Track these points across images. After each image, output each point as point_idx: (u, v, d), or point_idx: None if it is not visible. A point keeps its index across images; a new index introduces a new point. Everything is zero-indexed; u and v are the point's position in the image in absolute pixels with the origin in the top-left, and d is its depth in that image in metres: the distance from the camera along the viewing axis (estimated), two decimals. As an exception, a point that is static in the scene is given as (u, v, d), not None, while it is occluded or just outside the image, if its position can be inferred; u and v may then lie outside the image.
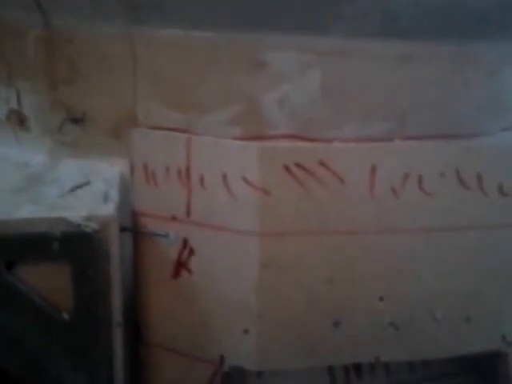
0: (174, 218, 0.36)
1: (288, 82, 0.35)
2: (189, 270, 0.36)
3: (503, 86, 0.37)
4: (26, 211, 0.33)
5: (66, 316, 0.33)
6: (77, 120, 0.37)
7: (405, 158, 0.35)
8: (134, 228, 0.36)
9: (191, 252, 0.36)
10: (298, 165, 0.34)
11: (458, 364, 0.39)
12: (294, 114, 0.35)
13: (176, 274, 0.37)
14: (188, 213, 0.36)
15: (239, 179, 0.35)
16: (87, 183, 0.36)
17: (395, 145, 0.35)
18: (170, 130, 0.36)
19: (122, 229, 0.35)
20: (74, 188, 0.36)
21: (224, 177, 0.35)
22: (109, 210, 0.34)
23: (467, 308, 0.37)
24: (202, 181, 0.35)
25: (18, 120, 0.39)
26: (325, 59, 0.35)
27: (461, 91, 0.36)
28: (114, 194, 0.35)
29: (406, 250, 0.36)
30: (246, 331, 0.36)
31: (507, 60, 0.37)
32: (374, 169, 0.35)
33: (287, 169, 0.34)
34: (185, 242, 0.36)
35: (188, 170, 0.35)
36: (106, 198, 0.35)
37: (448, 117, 0.36)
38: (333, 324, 0.36)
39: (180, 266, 0.36)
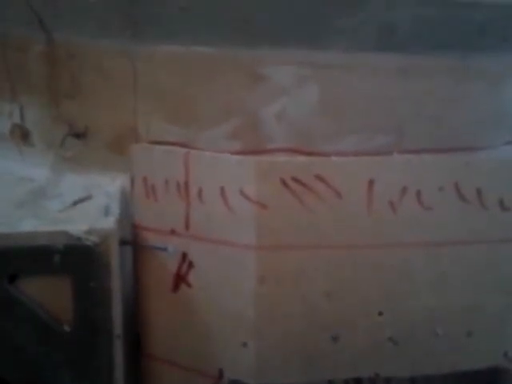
0: (173, 232, 0.36)
1: (286, 96, 0.35)
2: (188, 284, 0.36)
3: (505, 98, 0.36)
4: (29, 225, 0.34)
5: (66, 328, 0.34)
6: (79, 135, 0.38)
7: (403, 171, 0.35)
8: (134, 241, 0.37)
9: (190, 265, 0.36)
10: (294, 179, 0.34)
11: (460, 380, 0.39)
12: (293, 127, 0.35)
13: (175, 287, 0.37)
14: (187, 226, 0.36)
15: (237, 193, 0.35)
16: (89, 197, 0.37)
17: (393, 159, 0.35)
18: (171, 144, 0.36)
19: (122, 242, 0.35)
20: (76, 202, 0.36)
21: (222, 191, 0.35)
22: (109, 223, 0.34)
23: (468, 323, 0.37)
24: (200, 195, 0.35)
25: (21, 134, 0.39)
26: (323, 73, 0.35)
27: (461, 104, 0.36)
28: (115, 208, 0.35)
29: (405, 264, 0.36)
30: (244, 344, 0.36)
31: (509, 72, 0.36)
32: (371, 183, 0.35)
33: (284, 183, 0.34)
34: (184, 256, 0.36)
35: (186, 184, 0.35)
36: (106, 212, 0.35)
37: (448, 130, 0.36)
38: (331, 338, 0.36)
39: (179, 279, 0.36)
